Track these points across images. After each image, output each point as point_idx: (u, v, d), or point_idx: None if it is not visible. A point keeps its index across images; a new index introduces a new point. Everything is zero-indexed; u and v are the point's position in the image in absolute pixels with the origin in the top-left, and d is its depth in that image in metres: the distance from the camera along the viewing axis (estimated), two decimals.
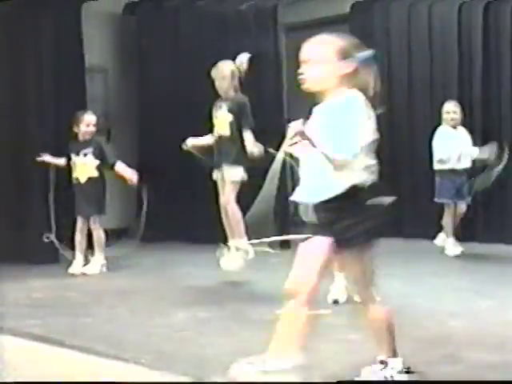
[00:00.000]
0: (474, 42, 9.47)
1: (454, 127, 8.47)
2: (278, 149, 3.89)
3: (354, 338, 4.76)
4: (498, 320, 5.31)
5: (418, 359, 4.26)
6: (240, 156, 6.96)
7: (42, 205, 8.48)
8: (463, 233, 8.70)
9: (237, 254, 6.93)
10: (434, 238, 8.71)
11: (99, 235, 7.91)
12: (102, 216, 8.00)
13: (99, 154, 7.87)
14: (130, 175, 7.85)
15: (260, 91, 9.56)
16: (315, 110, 3.74)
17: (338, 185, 3.52)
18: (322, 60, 3.64)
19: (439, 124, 8.58)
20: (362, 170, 3.52)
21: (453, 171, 8.36)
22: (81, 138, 7.96)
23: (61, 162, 8.05)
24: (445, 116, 8.48)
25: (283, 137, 9.71)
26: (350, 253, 3.69)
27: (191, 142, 7.18)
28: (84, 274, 7.69)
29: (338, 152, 3.43)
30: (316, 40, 3.74)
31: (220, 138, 7.04)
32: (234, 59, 9.52)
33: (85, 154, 7.87)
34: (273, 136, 9.37)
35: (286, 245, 9.29)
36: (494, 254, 8.44)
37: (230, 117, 6.99)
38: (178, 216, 9.99)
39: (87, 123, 7.92)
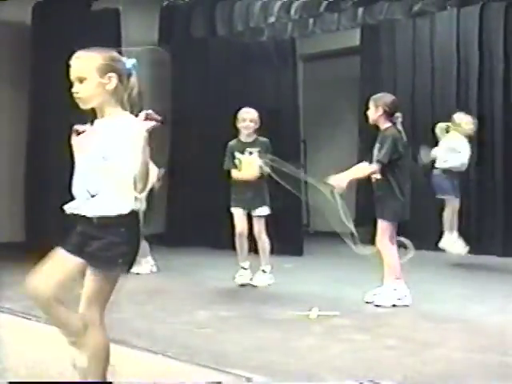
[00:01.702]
0: (472, 57, 9.49)
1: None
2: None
3: (359, 338, 4.77)
4: (488, 324, 5.28)
5: (415, 358, 4.27)
6: (267, 194, 6.98)
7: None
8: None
9: (263, 275, 6.98)
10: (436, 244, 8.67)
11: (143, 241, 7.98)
12: None
13: None
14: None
15: (278, 115, 9.60)
16: (96, 123, 3.39)
17: (121, 205, 3.23)
18: (85, 77, 3.31)
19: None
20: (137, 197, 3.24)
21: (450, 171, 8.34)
22: None
23: None
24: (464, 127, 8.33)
25: (298, 157, 9.74)
26: (96, 271, 3.30)
27: None
28: (137, 274, 7.74)
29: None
30: (77, 57, 3.36)
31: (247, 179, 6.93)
32: (255, 85, 9.63)
33: None
34: (289, 149, 9.56)
35: (298, 252, 9.36)
36: (485, 265, 8.41)
37: (260, 161, 6.88)
38: (204, 223, 10.03)
39: None
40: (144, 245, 7.91)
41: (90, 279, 3.33)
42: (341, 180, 5.87)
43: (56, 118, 9.08)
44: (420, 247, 9.19)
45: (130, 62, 3.44)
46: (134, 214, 3.27)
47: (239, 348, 4.53)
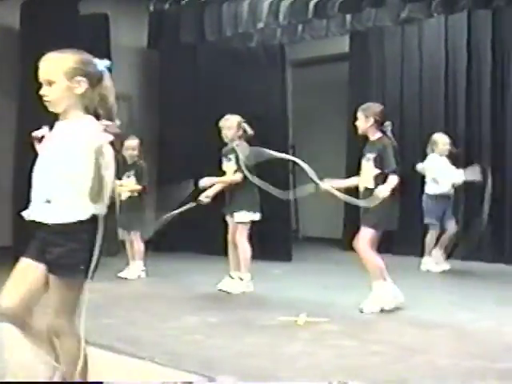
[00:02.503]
0: (459, 66, 9.61)
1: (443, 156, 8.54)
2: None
3: (346, 344, 4.78)
4: (475, 330, 5.30)
5: (401, 364, 4.29)
6: (247, 200, 6.94)
7: None
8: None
9: (239, 282, 6.92)
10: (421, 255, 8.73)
11: (139, 245, 7.98)
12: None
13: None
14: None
15: (267, 120, 9.61)
16: (56, 127, 3.34)
17: (78, 211, 3.18)
18: (53, 81, 3.23)
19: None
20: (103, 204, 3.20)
21: (441, 195, 8.41)
22: (129, 161, 7.98)
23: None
24: (442, 147, 8.49)
25: (286, 162, 9.77)
26: (58, 279, 3.24)
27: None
28: (125, 279, 7.75)
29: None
30: (46, 59, 3.28)
31: (230, 185, 6.96)
32: (244, 90, 9.65)
33: (128, 176, 7.94)
34: (277, 160, 9.56)
35: (287, 257, 9.37)
36: (473, 271, 8.46)
37: (235, 166, 6.90)
38: (192, 229, 10.02)
39: (128, 148, 7.96)
40: (140, 248, 7.93)
41: (53, 288, 3.26)
42: (331, 184, 5.89)
43: (45, 123, 9.08)
44: (408, 253, 9.33)
45: (102, 64, 3.33)
46: (95, 219, 3.20)
47: (227, 354, 4.53)
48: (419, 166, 8.62)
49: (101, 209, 3.22)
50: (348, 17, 9.07)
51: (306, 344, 4.88)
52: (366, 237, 5.85)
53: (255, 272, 7.13)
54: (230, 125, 6.97)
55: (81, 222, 3.19)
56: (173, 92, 10.60)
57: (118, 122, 3.28)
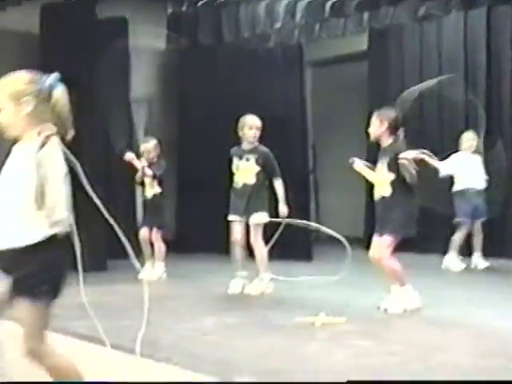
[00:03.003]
0: (479, 63, 9.52)
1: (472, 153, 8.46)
2: None
3: (364, 344, 4.74)
4: (495, 328, 5.24)
5: (420, 364, 4.24)
6: (263, 202, 6.91)
7: (94, 218, 8.57)
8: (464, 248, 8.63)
9: (259, 283, 6.92)
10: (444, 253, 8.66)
11: (160, 245, 8.00)
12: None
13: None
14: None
15: (287, 120, 9.60)
16: (13, 149, 3.32)
17: (29, 234, 3.14)
18: (1, 107, 3.28)
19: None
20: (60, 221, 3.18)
21: (470, 192, 8.31)
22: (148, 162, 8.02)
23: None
24: (465, 144, 8.47)
25: (306, 162, 9.78)
26: (20, 300, 3.19)
27: None
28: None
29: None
30: None
31: (244, 185, 6.92)
32: (263, 91, 9.63)
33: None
34: (297, 155, 9.55)
35: (307, 257, 9.34)
36: (494, 268, 8.37)
37: (257, 168, 6.88)
38: (213, 229, 10.01)
39: (145, 151, 8.01)
40: (161, 248, 7.94)
41: (18, 310, 3.22)
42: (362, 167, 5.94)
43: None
44: (428, 251, 9.25)
45: (50, 79, 3.36)
46: (54, 238, 3.18)
47: (244, 355, 4.51)
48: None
49: (61, 227, 3.19)
50: (365, 15, 9.03)
51: (324, 344, 4.85)
52: (384, 245, 5.76)
53: (275, 272, 7.12)
54: (259, 125, 6.91)
55: (37, 244, 3.15)
56: (191, 93, 10.62)
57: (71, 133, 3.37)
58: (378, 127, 5.87)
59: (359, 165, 6.02)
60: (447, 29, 9.86)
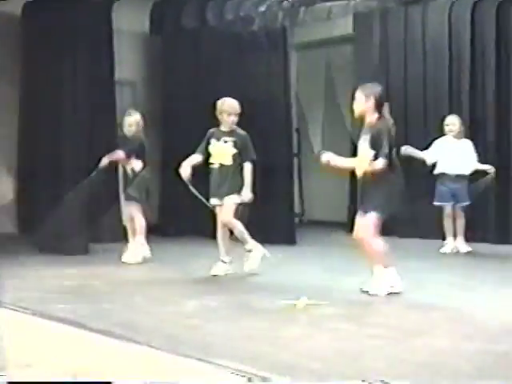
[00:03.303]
0: (463, 47, 9.50)
1: (456, 138, 8.44)
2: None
3: (345, 327, 4.75)
4: (475, 312, 5.26)
5: (400, 347, 4.26)
6: (239, 184, 6.89)
7: (76, 202, 8.58)
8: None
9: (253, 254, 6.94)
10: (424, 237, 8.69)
11: (140, 220, 7.93)
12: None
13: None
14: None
15: (270, 104, 9.57)
16: None
17: None
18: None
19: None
20: None
21: (448, 176, 8.32)
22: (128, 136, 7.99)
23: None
24: (446, 128, 8.47)
25: (290, 146, 9.81)
26: None
27: (187, 172, 6.97)
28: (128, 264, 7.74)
29: None
30: None
31: (221, 166, 6.91)
32: (247, 74, 9.60)
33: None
34: (282, 139, 9.53)
35: (291, 241, 9.35)
36: (477, 252, 8.42)
37: (235, 150, 6.87)
38: (198, 212, 9.98)
39: (126, 124, 7.97)
40: (141, 222, 7.89)
41: None
42: (332, 158, 5.80)
43: (47, 110, 9.07)
44: (412, 235, 9.29)
45: None
46: None
47: (225, 338, 4.50)
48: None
49: None
50: None
51: (305, 327, 4.86)
52: (368, 223, 5.73)
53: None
54: (238, 111, 6.91)
55: None
56: (175, 76, 10.55)
57: None
58: (363, 103, 5.78)
59: (328, 156, 5.91)
60: (432, 13, 9.84)
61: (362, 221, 5.77)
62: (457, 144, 8.43)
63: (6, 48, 9.74)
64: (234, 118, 6.91)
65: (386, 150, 5.62)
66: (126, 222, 8.04)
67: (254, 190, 6.96)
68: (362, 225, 5.78)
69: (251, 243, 6.94)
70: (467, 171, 8.37)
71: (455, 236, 8.51)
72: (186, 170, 6.88)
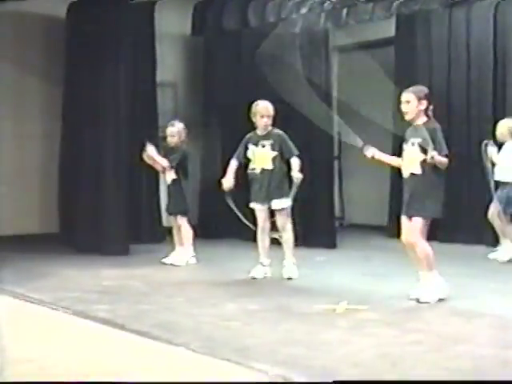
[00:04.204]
0: (508, 50, 9.28)
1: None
2: None
3: (385, 333, 4.70)
4: None
5: (440, 354, 4.19)
6: (285, 187, 6.88)
7: (117, 203, 8.68)
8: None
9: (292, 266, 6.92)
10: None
11: (187, 230, 7.98)
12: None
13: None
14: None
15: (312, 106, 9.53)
16: None
17: None
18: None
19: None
20: None
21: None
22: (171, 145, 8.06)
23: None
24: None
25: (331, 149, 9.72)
26: None
27: (230, 183, 7.05)
28: (171, 265, 7.78)
29: None
30: None
31: (262, 171, 6.88)
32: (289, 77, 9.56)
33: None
34: (322, 145, 9.48)
35: (331, 244, 9.29)
36: None
37: (274, 153, 6.85)
38: (236, 215, 10.00)
39: (168, 134, 8.02)
40: (188, 233, 7.92)
41: None
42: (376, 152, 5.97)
43: (90, 111, 9.15)
44: (458, 240, 9.14)
45: None
46: None
47: (263, 341, 4.50)
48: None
49: None
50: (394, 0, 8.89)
51: (345, 332, 4.82)
52: (417, 227, 5.66)
53: (298, 259, 7.08)
54: (271, 113, 6.91)
55: None
56: (217, 78, 10.57)
57: None
58: (415, 106, 5.72)
59: (373, 151, 5.95)
60: (477, 16, 9.68)
61: (411, 225, 5.71)
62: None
63: (50, 50, 9.87)
64: (268, 120, 6.90)
65: (444, 149, 5.62)
66: (174, 231, 8.08)
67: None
68: (410, 229, 5.71)
69: (293, 259, 6.92)
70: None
71: None
72: (229, 181, 6.94)
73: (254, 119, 6.98)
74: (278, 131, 6.95)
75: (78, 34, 9.42)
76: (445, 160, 5.63)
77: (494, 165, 8.07)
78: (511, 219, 8.13)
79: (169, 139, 8.02)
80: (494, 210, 8.15)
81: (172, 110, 10.89)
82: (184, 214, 8.01)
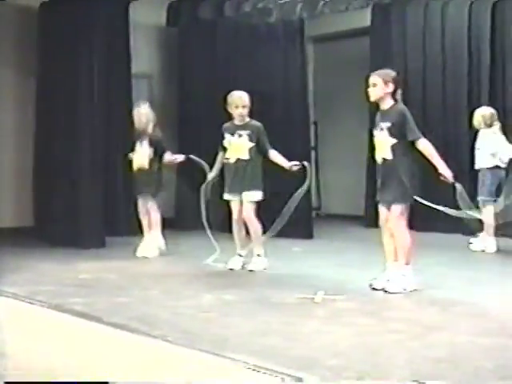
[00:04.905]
0: (483, 41, 9.37)
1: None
2: None
3: (363, 322, 4.71)
4: (495, 307, 5.21)
5: (419, 342, 4.21)
6: (259, 179, 6.88)
7: (93, 195, 8.61)
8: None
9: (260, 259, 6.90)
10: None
11: (156, 215, 7.93)
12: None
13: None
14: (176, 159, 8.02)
15: (288, 96, 9.53)
16: None
17: None
18: None
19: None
20: None
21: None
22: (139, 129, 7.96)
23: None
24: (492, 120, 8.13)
25: (308, 139, 9.75)
26: None
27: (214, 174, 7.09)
28: (145, 258, 7.74)
29: None
30: None
31: (237, 161, 6.88)
32: (263, 66, 9.57)
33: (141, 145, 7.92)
34: (298, 132, 9.48)
35: (308, 235, 9.30)
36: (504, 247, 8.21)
37: (251, 144, 6.84)
38: (214, 207, 9.95)
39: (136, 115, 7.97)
40: (157, 218, 7.87)
41: None
42: None
43: (63, 104, 9.07)
44: (435, 229, 9.18)
45: None
46: None
47: (241, 332, 4.48)
48: None
49: None
50: None
51: (322, 322, 4.82)
52: (403, 214, 5.66)
53: (275, 249, 7.08)
54: (246, 103, 6.88)
55: None
56: (192, 69, 10.53)
57: None
58: (381, 88, 5.70)
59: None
60: (452, 6, 9.73)
61: (390, 213, 5.70)
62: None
63: (24, 42, 9.75)
64: (243, 110, 6.87)
65: (417, 131, 5.61)
66: (141, 216, 8.01)
67: (269, 183, 6.93)
68: (390, 217, 5.70)
69: (262, 250, 6.90)
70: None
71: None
72: (215, 172, 7.04)
73: (229, 110, 6.95)
74: (256, 123, 6.92)
75: (51, 25, 9.32)
76: (431, 148, 5.63)
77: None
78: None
79: (137, 123, 7.90)
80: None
81: (147, 101, 10.80)
82: (153, 196, 7.93)
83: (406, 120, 5.63)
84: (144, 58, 10.54)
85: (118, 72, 9.59)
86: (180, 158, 8.04)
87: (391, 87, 5.69)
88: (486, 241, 8.02)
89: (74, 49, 8.94)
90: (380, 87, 5.72)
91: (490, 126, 8.06)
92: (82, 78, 9.01)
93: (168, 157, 7.96)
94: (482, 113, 8.18)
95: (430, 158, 5.68)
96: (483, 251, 7.96)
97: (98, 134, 8.86)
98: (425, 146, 5.66)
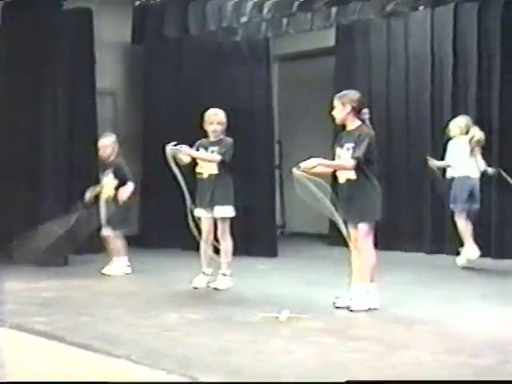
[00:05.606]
0: (446, 57, 9.52)
1: None
2: None
3: (327, 341, 4.71)
4: (459, 326, 5.25)
5: (383, 361, 4.23)
6: (230, 194, 6.89)
7: (55, 213, 8.50)
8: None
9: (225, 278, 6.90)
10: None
11: (117, 243, 7.88)
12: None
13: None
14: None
15: (252, 114, 9.57)
16: None
17: None
18: None
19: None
20: None
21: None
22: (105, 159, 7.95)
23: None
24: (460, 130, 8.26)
25: (272, 158, 9.78)
26: None
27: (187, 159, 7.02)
28: (109, 276, 7.69)
29: None
30: None
31: (209, 176, 6.89)
32: (229, 85, 9.60)
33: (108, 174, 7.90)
34: (262, 149, 9.52)
35: (272, 253, 9.31)
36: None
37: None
38: (178, 224, 9.92)
39: (101, 147, 7.92)
40: (118, 245, 7.83)
41: None
42: (309, 162, 5.73)
43: (26, 119, 8.98)
44: (397, 248, 9.28)
45: None
46: None
47: (206, 351, 4.46)
48: None
49: None
50: (333, 10, 8.97)
51: (287, 341, 4.82)
52: (369, 232, 5.71)
53: (239, 268, 7.08)
54: (220, 120, 6.93)
55: None
56: (157, 86, 10.54)
57: None
58: (340, 111, 5.78)
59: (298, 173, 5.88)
60: (414, 25, 9.89)
61: (357, 232, 5.74)
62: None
63: None
64: (217, 127, 6.91)
65: (361, 152, 5.62)
66: (107, 242, 7.94)
67: (235, 201, 6.93)
68: (358, 238, 5.73)
69: (229, 270, 6.89)
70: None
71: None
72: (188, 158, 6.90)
73: (205, 127, 7.00)
74: (228, 139, 6.95)
75: (11, 40, 9.22)
76: (349, 164, 5.67)
77: (444, 171, 8.23)
78: (467, 216, 8.15)
79: (101, 152, 7.90)
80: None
81: (111, 118, 10.77)
82: (120, 228, 7.90)
83: (362, 140, 5.66)
84: (109, 74, 10.50)
85: (81, 85, 9.53)
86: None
87: (349, 108, 5.75)
88: (466, 250, 8.11)
89: (37, 64, 8.88)
90: (339, 109, 5.83)
91: (466, 133, 8.20)
92: (45, 94, 8.95)
93: (125, 191, 7.86)
94: (459, 123, 8.30)
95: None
96: (468, 260, 8.07)
97: (62, 153, 8.80)
98: (346, 162, 5.69)
